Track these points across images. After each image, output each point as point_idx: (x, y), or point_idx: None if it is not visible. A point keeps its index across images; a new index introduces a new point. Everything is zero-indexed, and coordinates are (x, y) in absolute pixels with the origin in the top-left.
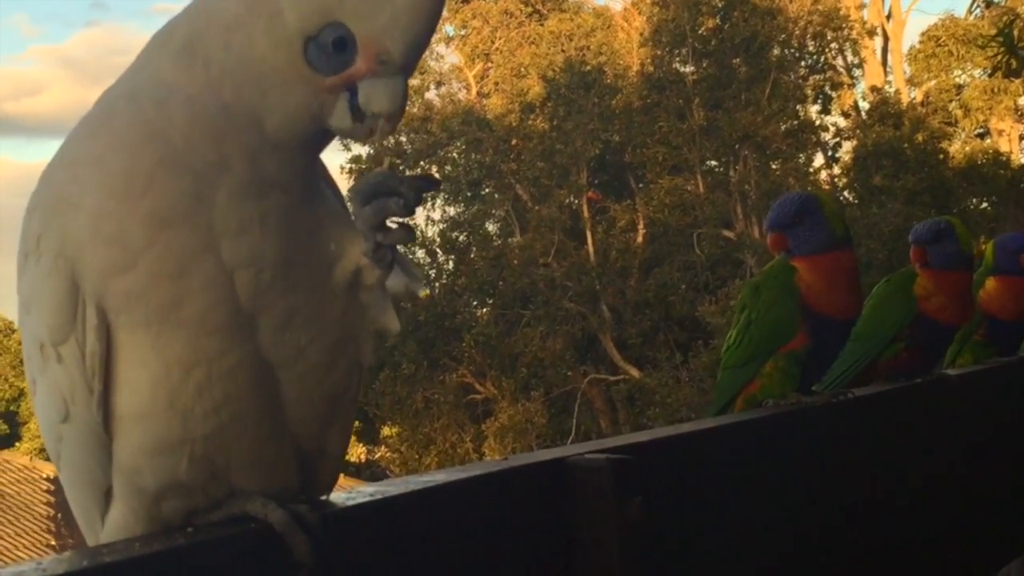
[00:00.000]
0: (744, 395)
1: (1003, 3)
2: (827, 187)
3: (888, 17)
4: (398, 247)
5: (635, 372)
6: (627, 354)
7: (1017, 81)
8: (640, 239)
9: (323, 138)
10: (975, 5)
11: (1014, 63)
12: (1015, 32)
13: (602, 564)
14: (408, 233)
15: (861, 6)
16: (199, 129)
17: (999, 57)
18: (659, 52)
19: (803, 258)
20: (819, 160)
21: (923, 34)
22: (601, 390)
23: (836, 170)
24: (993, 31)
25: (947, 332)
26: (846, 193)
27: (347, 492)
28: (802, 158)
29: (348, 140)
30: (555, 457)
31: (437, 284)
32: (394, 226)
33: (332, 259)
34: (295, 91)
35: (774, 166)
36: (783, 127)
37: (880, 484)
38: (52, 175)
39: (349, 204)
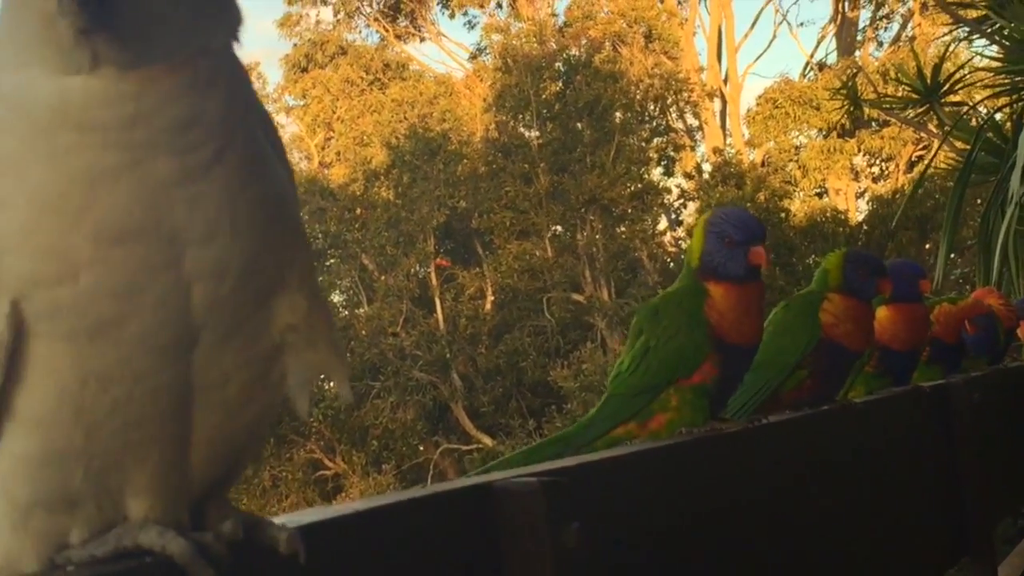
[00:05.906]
0: (648, 430)
1: (837, 65)
2: (672, 249)
3: (725, 81)
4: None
5: (488, 440)
6: (479, 422)
7: (852, 141)
8: (489, 305)
9: None
10: (808, 68)
11: (859, 113)
12: (858, 85)
13: None
14: None
15: (700, 70)
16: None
17: (843, 110)
18: (503, 117)
19: (724, 284)
20: (663, 223)
21: (760, 97)
22: (454, 460)
23: (680, 232)
24: (829, 91)
25: (851, 359)
26: None
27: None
28: (647, 220)
29: None
30: (481, 482)
31: None
32: None
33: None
34: None
35: (620, 229)
36: (628, 189)
37: (796, 507)
38: None
39: None
